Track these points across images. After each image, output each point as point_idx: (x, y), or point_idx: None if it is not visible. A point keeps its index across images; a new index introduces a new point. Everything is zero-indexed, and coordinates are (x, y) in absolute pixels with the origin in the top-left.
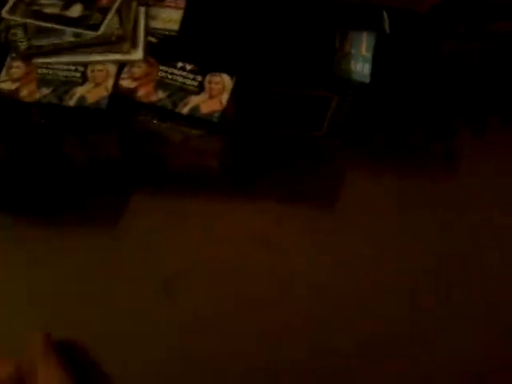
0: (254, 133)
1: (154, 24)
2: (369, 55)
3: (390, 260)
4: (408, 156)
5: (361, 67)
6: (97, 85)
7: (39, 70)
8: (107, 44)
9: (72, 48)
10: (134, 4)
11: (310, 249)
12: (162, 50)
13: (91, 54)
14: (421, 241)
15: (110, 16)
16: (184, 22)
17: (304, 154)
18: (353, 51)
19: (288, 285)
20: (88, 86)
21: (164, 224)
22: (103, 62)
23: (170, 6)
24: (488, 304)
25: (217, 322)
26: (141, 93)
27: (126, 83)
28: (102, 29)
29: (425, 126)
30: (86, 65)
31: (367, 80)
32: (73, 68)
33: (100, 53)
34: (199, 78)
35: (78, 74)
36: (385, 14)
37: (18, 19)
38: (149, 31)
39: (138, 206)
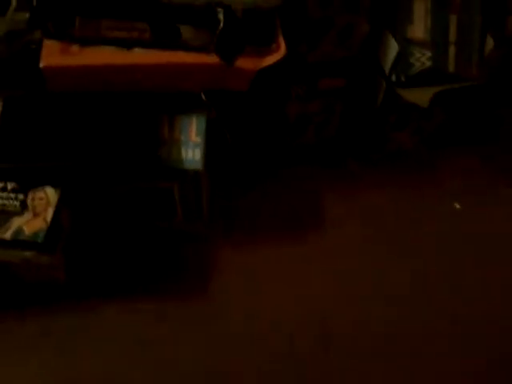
0: (107, 232)
1: None
2: (199, 140)
3: None
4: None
5: (191, 154)
6: None
7: None
8: None
9: None
10: None
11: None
12: None
13: None
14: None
15: None
16: None
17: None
18: (182, 138)
19: None
20: None
21: (28, 347)
22: None
23: None
24: None
25: None
26: None
27: None
28: None
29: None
30: None
31: (199, 166)
32: None
33: None
34: (21, 196)
35: None
36: (203, 96)
37: None
38: None
39: None
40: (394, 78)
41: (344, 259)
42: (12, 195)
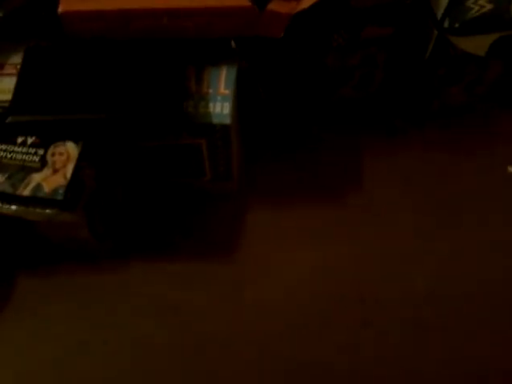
0: (131, 189)
1: None
2: (229, 92)
3: None
4: (314, 185)
5: (220, 108)
6: None
7: None
8: None
9: None
10: None
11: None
12: (0, 125)
13: None
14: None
15: None
16: (17, 88)
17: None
18: (211, 91)
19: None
20: None
21: (51, 305)
22: None
23: (10, 74)
24: None
25: None
26: None
27: None
28: None
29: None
30: None
31: (228, 121)
32: None
33: None
34: (41, 151)
35: None
36: (233, 44)
37: None
38: None
39: (24, 291)
40: (446, 24)
41: (382, 225)
42: (31, 150)
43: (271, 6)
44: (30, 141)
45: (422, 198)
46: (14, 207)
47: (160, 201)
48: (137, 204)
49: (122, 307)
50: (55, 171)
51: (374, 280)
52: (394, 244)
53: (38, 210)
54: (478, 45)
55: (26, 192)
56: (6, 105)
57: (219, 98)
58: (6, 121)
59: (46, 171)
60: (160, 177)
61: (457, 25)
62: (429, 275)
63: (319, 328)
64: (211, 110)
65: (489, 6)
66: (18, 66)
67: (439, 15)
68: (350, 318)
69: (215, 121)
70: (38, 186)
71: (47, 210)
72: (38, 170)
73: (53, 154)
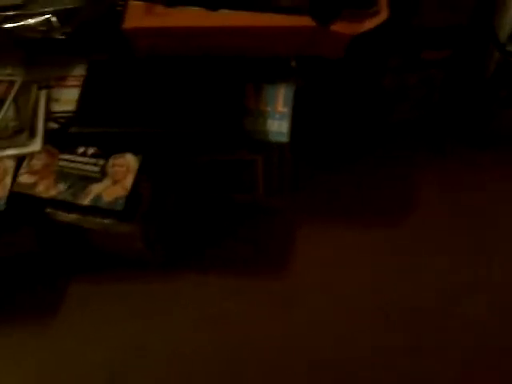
0: (190, 202)
1: (57, 107)
2: (286, 111)
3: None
4: (367, 202)
5: (277, 126)
6: None
7: None
8: (3, 139)
9: None
10: (34, 88)
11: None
12: (62, 136)
13: None
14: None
15: (4, 108)
16: (81, 100)
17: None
18: (269, 109)
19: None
20: None
21: (102, 310)
22: (0, 158)
23: (72, 86)
24: None
25: None
26: (40, 188)
27: (24, 179)
28: None
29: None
30: None
31: (285, 139)
32: None
33: None
34: (101, 162)
35: None
36: (294, 63)
37: None
38: (49, 116)
39: (75, 296)
40: (510, 47)
41: (428, 254)
42: (92, 160)
43: (334, 27)
44: (90, 151)
45: (472, 219)
46: (73, 215)
47: (210, 213)
48: (188, 216)
49: (171, 315)
50: (115, 182)
51: (422, 297)
52: (446, 266)
53: (97, 220)
54: None
55: (86, 201)
56: (69, 115)
57: (277, 115)
58: (69, 131)
59: (106, 182)
60: (212, 190)
61: None
62: (488, 301)
63: (366, 344)
64: (269, 127)
65: None
66: (81, 79)
67: (503, 38)
68: (399, 335)
69: (273, 139)
70: (98, 196)
71: (105, 220)
72: (98, 180)
73: (113, 166)
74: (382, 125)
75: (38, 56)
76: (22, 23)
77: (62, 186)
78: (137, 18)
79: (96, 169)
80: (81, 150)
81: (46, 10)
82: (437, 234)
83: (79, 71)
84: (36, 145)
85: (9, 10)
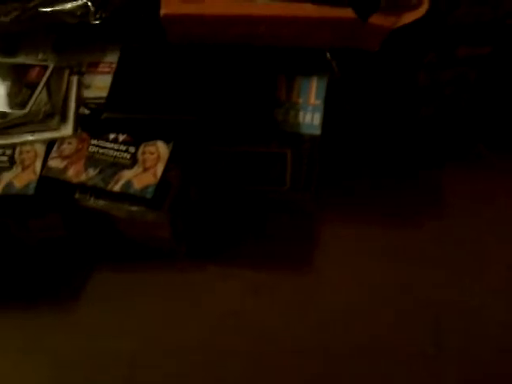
0: (214, 194)
1: (88, 93)
2: (319, 103)
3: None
4: (392, 204)
5: (310, 118)
6: (25, 168)
7: None
8: (35, 123)
9: None
10: (66, 73)
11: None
12: (93, 121)
13: (18, 134)
14: (409, 293)
15: (37, 92)
16: (113, 87)
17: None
18: (301, 100)
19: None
20: (16, 170)
21: (124, 300)
22: (31, 142)
23: (104, 72)
24: None
25: None
26: (70, 172)
27: (54, 163)
28: (29, 107)
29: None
30: (13, 147)
31: (318, 132)
32: (0, 152)
33: (28, 132)
34: (132, 149)
35: (5, 158)
36: (328, 55)
37: None
38: (81, 102)
39: (98, 282)
40: None
41: (456, 247)
42: (123, 147)
43: (373, 19)
44: (121, 138)
45: (503, 227)
46: (101, 202)
47: (234, 206)
48: (212, 208)
49: (192, 308)
50: (145, 169)
51: (447, 301)
52: (471, 269)
53: (125, 207)
54: None
55: (117, 188)
56: (100, 101)
57: (310, 108)
58: (101, 117)
59: (137, 169)
60: (239, 182)
61: None
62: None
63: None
64: (301, 119)
65: None
66: (113, 65)
67: None
68: (421, 337)
69: (305, 131)
70: (128, 183)
71: (133, 207)
72: (129, 167)
73: (143, 153)
74: (410, 121)
75: (71, 41)
76: (59, 7)
77: (92, 172)
78: (174, 4)
79: (127, 155)
80: (112, 136)
81: None
82: (464, 236)
83: (112, 58)
84: (67, 129)
85: None
